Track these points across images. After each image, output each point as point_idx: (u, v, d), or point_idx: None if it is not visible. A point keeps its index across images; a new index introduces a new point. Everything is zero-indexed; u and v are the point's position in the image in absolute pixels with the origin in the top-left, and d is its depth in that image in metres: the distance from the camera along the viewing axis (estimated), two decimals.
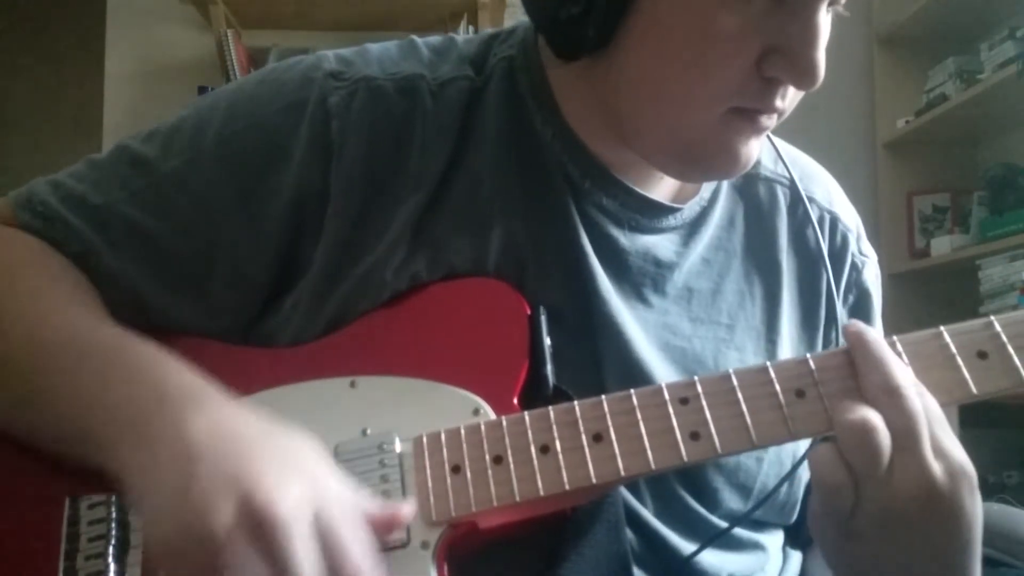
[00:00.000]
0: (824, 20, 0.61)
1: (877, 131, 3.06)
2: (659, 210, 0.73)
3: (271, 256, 0.69)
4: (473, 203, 0.70)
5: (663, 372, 0.69)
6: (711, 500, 0.70)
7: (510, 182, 0.71)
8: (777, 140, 0.78)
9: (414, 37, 0.76)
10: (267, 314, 0.71)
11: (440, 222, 0.69)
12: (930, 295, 2.82)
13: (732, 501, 0.71)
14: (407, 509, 0.56)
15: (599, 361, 0.69)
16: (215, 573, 0.49)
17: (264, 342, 0.70)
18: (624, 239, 0.72)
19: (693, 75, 0.62)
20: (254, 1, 2.77)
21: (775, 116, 0.65)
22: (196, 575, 0.50)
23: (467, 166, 0.71)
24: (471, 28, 2.76)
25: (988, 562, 0.77)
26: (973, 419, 2.38)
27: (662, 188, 0.75)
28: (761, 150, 0.70)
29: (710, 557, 0.70)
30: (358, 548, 0.52)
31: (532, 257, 0.70)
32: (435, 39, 0.77)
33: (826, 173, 0.85)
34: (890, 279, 2.93)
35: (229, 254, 0.69)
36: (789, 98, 0.64)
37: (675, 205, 0.75)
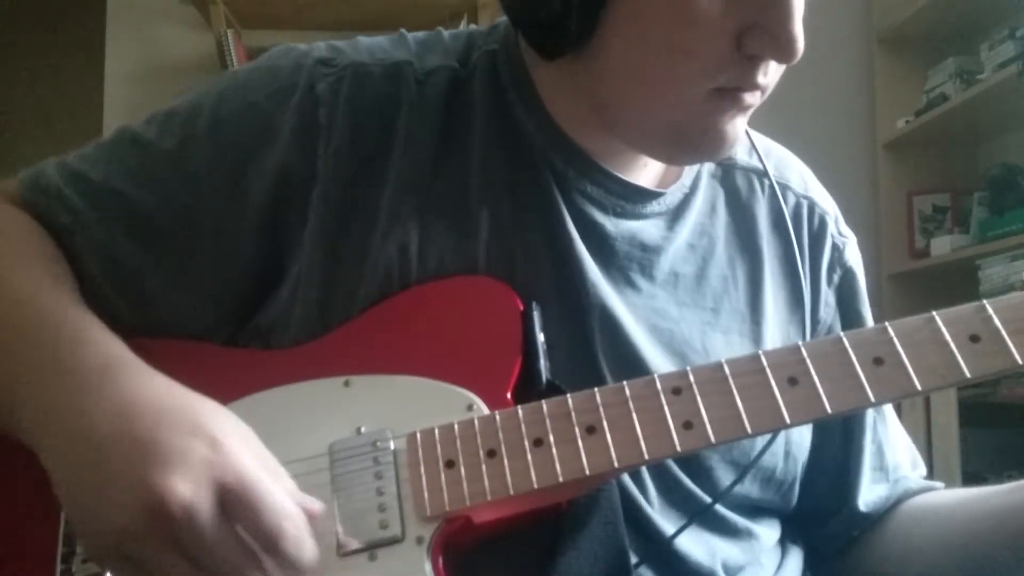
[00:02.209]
0: None
1: (877, 131, 3.06)
2: (643, 195, 0.75)
3: (255, 233, 0.71)
4: (461, 194, 0.71)
5: (653, 355, 0.70)
6: (706, 479, 0.71)
7: (496, 173, 0.72)
8: (752, 132, 0.80)
9: (403, 31, 0.78)
10: (267, 307, 0.72)
11: (429, 212, 0.70)
12: (930, 295, 2.81)
13: (727, 479, 0.71)
14: (316, 507, 0.58)
15: (591, 345, 0.69)
16: (143, 569, 0.53)
17: (267, 334, 0.71)
18: (610, 225, 0.73)
19: (675, 58, 0.63)
20: (254, 1, 2.78)
21: (758, 93, 0.66)
22: (127, 570, 0.55)
23: (454, 157, 0.72)
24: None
25: None
26: (973, 419, 2.38)
27: (645, 176, 0.76)
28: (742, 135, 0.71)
29: (700, 545, 0.70)
30: (271, 502, 0.54)
31: (520, 246, 0.70)
32: (422, 33, 0.78)
33: (799, 161, 0.86)
34: (890, 279, 2.94)
35: (215, 230, 0.71)
36: (771, 74, 0.65)
37: (658, 190, 0.76)
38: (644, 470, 0.69)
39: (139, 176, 0.73)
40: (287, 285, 0.71)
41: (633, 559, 0.65)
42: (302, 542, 0.55)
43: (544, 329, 0.67)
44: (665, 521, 0.69)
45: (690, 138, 0.67)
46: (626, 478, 0.67)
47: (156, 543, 0.52)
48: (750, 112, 0.68)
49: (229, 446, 0.55)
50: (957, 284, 2.74)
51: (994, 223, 2.65)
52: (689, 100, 0.64)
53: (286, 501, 0.55)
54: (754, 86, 0.64)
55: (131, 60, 2.98)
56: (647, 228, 0.74)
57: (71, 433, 0.57)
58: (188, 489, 0.52)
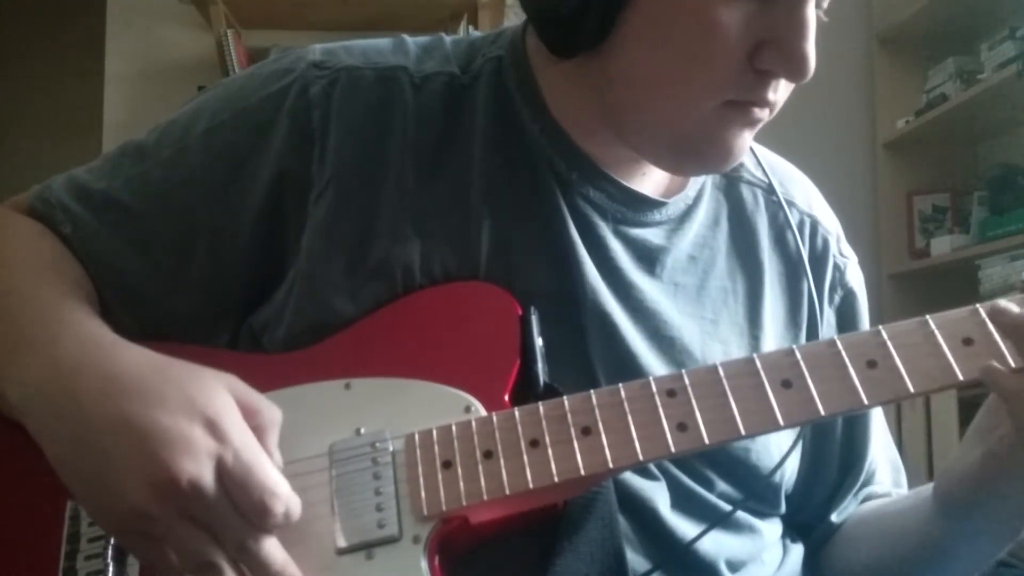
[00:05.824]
0: (812, 15, 0.63)
1: (877, 131, 3.07)
2: (645, 204, 0.75)
3: (252, 236, 0.72)
4: (462, 198, 0.71)
5: (651, 361, 0.70)
6: (704, 480, 0.71)
7: (498, 177, 0.72)
8: (757, 147, 0.80)
9: (404, 36, 0.78)
10: (262, 307, 0.73)
11: (430, 216, 0.71)
12: (930, 295, 2.82)
13: (721, 483, 0.72)
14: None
15: (588, 351, 0.70)
16: (157, 539, 0.55)
17: (259, 334, 0.72)
18: (610, 231, 0.73)
19: (690, 68, 0.63)
20: (254, 1, 2.78)
21: (767, 110, 0.67)
22: (141, 541, 0.56)
23: (454, 161, 0.72)
24: (471, 28, 2.77)
25: None
26: (973, 419, 2.38)
27: (648, 184, 0.76)
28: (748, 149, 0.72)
29: (707, 541, 0.70)
30: (260, 481, 0.56)
31: (521, 250, 0.71)
32: (424, 38, 0.78)
33: (805, 178, 0.86)
34: (890, 279, 2.94)
35: (212, 234, 0.72)
36: (781, 91, 0.66)
37: (661, 200, 0.76)
38: (658, 476, 0.69)
39: (138, 184, 0.74)
40: (284, 287, 0.71)
41: (647, 565, 0.66)
42: (289, 517, 0.57)
43: (541, 332, 0.67)
44: (678, 526, 0.69)
45: (697, 148, 0.68)
46: (640, 486, 0.68)
47: (170, 517, 0.55)
48: (758, 127, 0.68)
49: (226, 428, 0.56)
50: (957, 284, 2.74)
51: (994, 223, 2.65)
52: (701, 110, 0.65)
53: (275, 480, 0.57)
54: (764, 102, 0.65)
55: (131, 60, 2.99)
56: (648, 236, 0.75)
57: (57, 410, 0.58)
58: (193, 467, 0.54)
